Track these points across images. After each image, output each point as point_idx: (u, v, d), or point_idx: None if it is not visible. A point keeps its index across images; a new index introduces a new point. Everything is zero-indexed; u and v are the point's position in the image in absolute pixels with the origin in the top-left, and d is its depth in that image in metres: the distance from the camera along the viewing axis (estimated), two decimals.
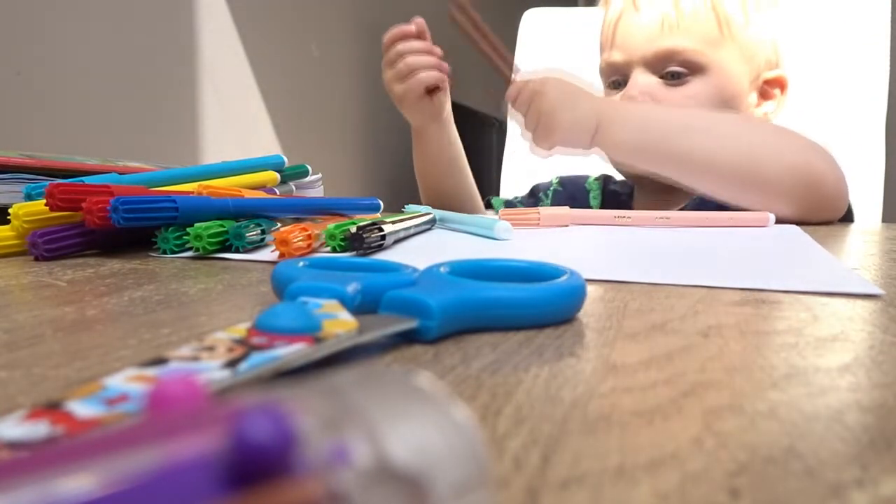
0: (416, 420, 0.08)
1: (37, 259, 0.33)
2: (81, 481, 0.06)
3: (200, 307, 0.22)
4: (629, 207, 0.84)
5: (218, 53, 1.11)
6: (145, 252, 0.36)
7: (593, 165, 0.92)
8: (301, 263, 0.22)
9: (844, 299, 0.24)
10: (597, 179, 0.90)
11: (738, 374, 0.15)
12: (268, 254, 0.35)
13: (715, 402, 0.13)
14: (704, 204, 0.72)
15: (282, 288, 0.20)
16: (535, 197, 0.91)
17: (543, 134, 0.64)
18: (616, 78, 0.78)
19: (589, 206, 0.86)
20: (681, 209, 0.75)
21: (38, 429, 0.10)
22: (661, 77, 0.74)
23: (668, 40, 0.72)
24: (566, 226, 0.53)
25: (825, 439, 0.11)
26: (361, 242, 0.33)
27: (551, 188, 0.90)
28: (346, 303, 0.18)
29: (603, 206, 0.86)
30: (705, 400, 0.13)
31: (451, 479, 0.07)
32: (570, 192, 0.89)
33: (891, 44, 0.94)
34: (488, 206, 0.92)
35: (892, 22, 0.94)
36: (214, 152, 1.08)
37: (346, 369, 0.09)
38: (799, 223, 0.59)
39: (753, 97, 0.77)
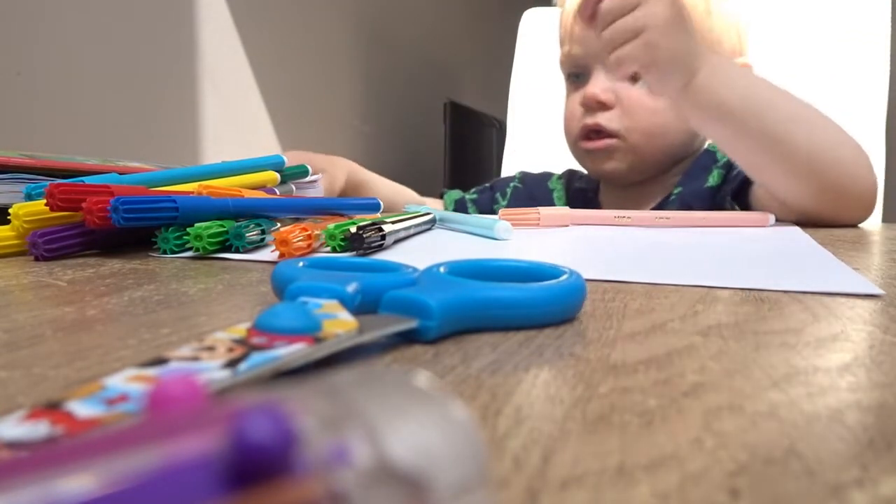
0: (416, 420, 0.08)
1: (37, 259, 0.33)
2: (81, 481, 0.06)
3: (200, 307, 0.22)
4: (596, 205, 0.82)
5: (218, 53, 1.11)
6: (145, 252, 0.36)
7: (561, 162, 0.89)
8: (301, 263, 0.22)
9: (844, 299, 0.24)
10: (560, 178, 0.87)
11: (738, 374, 0.15)
12: (268, 254, 0.35)
13: (715, 402, 0.13)
14: (687, 205, 0.71)
15: (282, 288, 0.20)
16: (493, 192, 0.89)
17: (638, 54, 0.52)
18: (575, 71, 0.76)
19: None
20: (654, 208, 0.74)
21: (38, 429, 0.10)
22: None
23: None
24: (566, 226, 0.53)
25: (825, 439, 0.11)
26: (361, 242, 0.33)
27: (511, 186, 0.88)
28: (346, 303, 0.18)
29: (568, 204, 0.84)
30: (705, 400, 0.13)
31: (451, 479, 0.07)
32: (531, 191, 0.87)
33: (891, 44, 0.94)
34: (440, 196, 0.89)
35: (892, 22, 0.94)
36: (214, 152, 1.08)
37: (346, 369, 0.09)
38: (818, 221, 0.59)
39: None
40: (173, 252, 0.35)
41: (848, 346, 0.18)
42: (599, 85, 0.71)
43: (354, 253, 0.34)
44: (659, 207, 0.74)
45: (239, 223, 0.36)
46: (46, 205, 0.34)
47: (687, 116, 0.59)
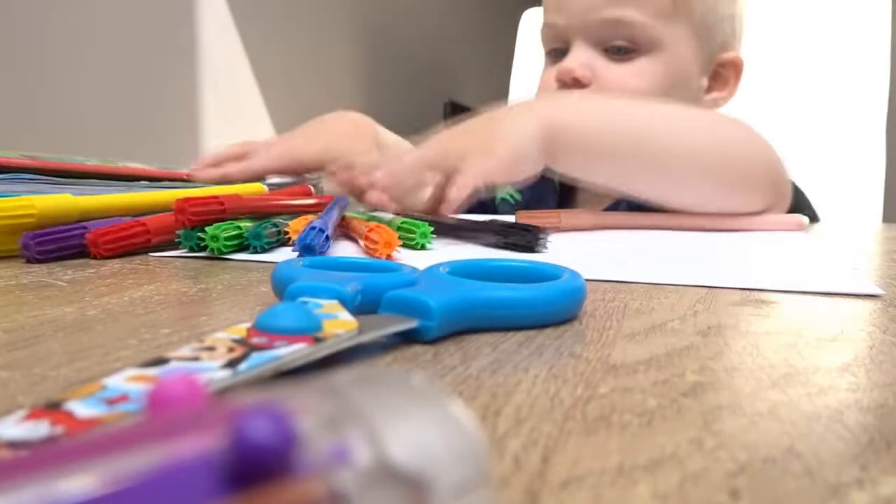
0: (416, 420, 0.08)
1: (28, 261, 0.33)
2: (81, 481, 0.06)
3: (200, 307, 0.22)
4: (567, 188, 0.75)
5: (218, 53, 1.11)
6: (145, 252, 0.36)
7: None
8: (301, 263, 0.22)
9: (844, 299, 0.24)
10: None
11: (738, 374, 0.15)
12: (276, 254, 0.35)
13: (715, 402, 0.13)
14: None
15: (282, 288, 0.20)
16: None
17: (470, 176, 0.46)
18: (556, 46, 0.70)
19: (555, 189, 0.77)
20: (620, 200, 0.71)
21: (38, 429, 0.10)
22: (606, 50, 0.66)
23: (616, 9, 0.64)
24: (587, 229, 0.49)
25: (825, 439, 0.11)
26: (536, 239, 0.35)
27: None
28: (346, 303, 0.18)
29: (560, 185, 0.77)
30: (705, 400, 0.13)
31: (451, 479, 0.07)
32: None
33: (891, 44, 0.94)
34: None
35: (892, 22, 0.94)
36: None
37: (346, 369, 0.09)
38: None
39: (703, 82, 0.70)
40: (193, 250, 0.35)
41: (848, 346, 0.18)
42: (578, 59, 0.65)
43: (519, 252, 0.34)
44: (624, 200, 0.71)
45: (257, 224, 0.36)
46: (177, 220, 0.34)
47: (571, 177, 0.54)
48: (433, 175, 0.49)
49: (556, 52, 0.70)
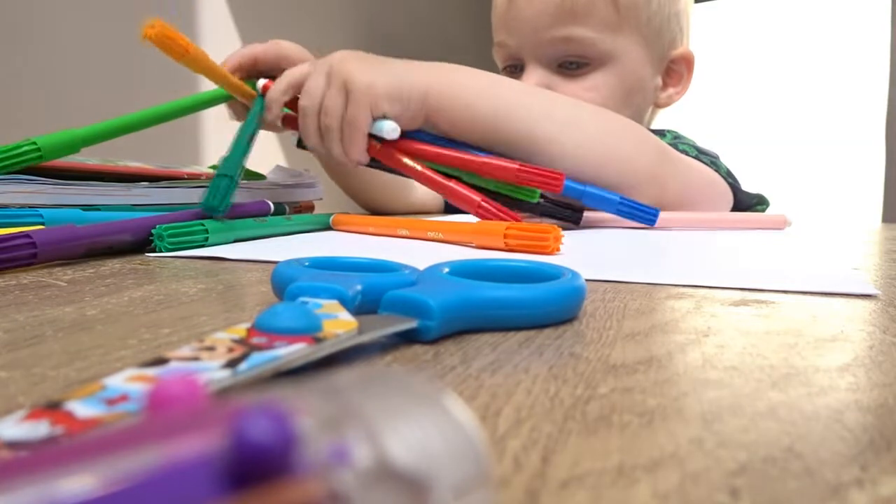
0: (416, 420, 0.08)
1: None
2: (81, 481, 0.06)
3: (200, 307, 0.22)
4: None
5: (218, 53, 1.11)
6: (145, 252, 0.36)
7: None
8: (301, 263, 0.22)
9: (844, 299, 0.24)
10: None
11: (738, 374, 0.15)
12: (267, 253, 0.35)
13: (715, 402, 0.13)
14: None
15: (282, 288, 0.20)
16: None
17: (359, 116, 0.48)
18: (511, 63, 0.71)
19: None
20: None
21: (38, 429, 0.10)
22: (560, 65, 0.67)
23: (563, 28, 0.65)
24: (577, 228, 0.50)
25: (825, 439, 0.11)
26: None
27: None
28: (347, 303, 0.18)
29: None
30: (705, 400, 0.13)
31: (451, 480, 0.07)
32: None
33: (891, 44, 0.94)
34: None
35: (892, 22, 0.94)
36: (215, 152, 1.08)
37: (346, 369, 0.09)
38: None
39: (657, 81, 0.71)
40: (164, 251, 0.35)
41: (848, 346, 0.18)
42: (533, 79, 0.66)
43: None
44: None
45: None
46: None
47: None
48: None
49: (512, 69, 0.71)
